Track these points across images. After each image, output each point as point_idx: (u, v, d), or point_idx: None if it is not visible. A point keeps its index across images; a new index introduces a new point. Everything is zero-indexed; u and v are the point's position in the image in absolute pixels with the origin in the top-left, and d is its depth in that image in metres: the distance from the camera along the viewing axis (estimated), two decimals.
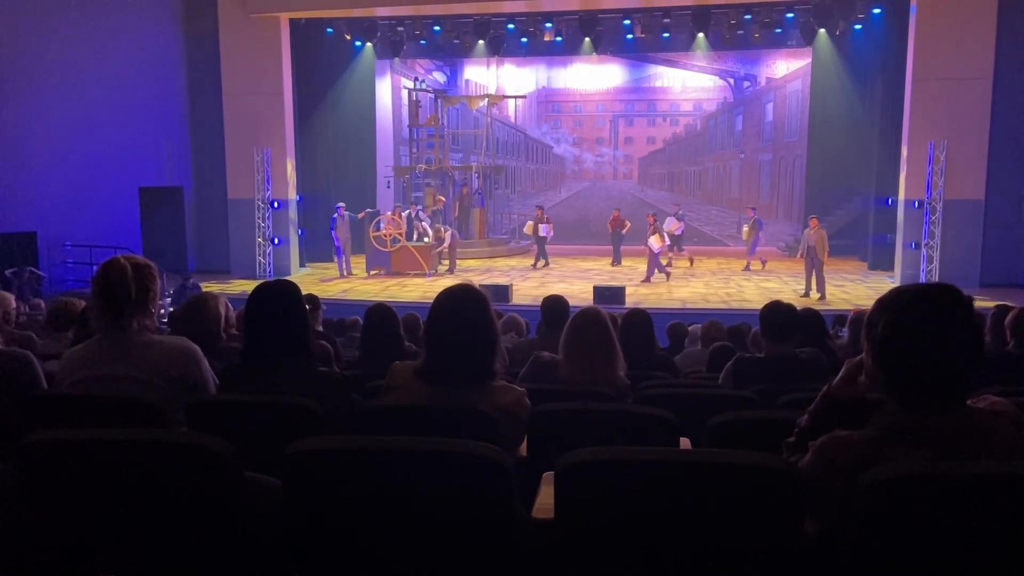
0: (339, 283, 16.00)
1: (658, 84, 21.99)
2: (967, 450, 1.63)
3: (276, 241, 16.96)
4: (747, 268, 17.18)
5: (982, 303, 9.67)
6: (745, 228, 17.29)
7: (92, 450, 1.84)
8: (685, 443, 2.76)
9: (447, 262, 17.23)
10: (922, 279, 14.20)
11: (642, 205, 22.41)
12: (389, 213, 17.27)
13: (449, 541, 1.77)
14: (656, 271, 15.79)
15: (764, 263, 17.37)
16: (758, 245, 17.12)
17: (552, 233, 18.02)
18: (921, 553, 1.52)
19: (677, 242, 17.62)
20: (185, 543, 1.81)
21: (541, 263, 17.88)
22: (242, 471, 1.85)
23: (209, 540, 1.82)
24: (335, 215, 16.63)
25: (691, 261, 18.00)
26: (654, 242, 15.66)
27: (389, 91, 21.83)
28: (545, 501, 2.01)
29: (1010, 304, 5.13)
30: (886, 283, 15.20)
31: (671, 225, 17.15)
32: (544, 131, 22.82)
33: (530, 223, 18.23)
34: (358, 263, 17.10)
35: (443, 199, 18.91)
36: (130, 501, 1.81)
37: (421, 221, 17.36)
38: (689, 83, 21.79)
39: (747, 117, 21.66)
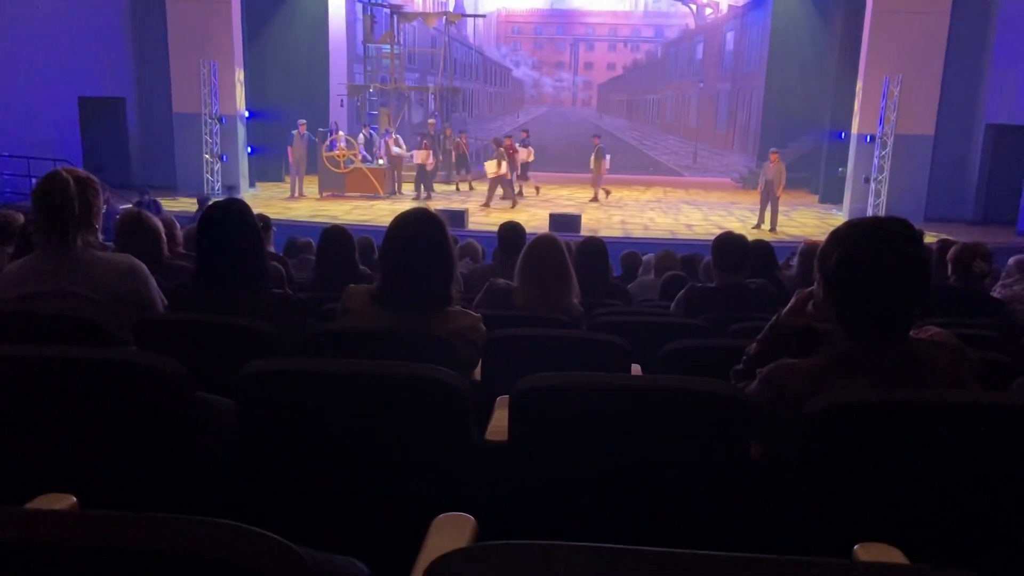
0: (303, 203, 15.65)
1: (620, 8, 21.59)
2: (909, 379, 1.69)
3: (224, 158, 16.47)
4: (595, 199, 16.92)
5: (926, 238, 9.91)
6: (592, 158, 16.97)
7: (37, 368, 1.79)
8: (637, 369, 2.81)
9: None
10: (869, 212, 14.49)
11: (600, 133, 22.29)
12: (340, 133, 16.85)
13: (403, 463, 1.79)
14: (497, 197, 15.69)
15: (608, 193, 17.17)
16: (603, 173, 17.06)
17: (431, 162, 16.77)
18: (863, 477, 1.59)
19: (524, 169, 17.26)
20: (135, 463, 1.80)
21: (424, 194, 16.57)
22: (193, 392, 1.83)
23: (160, 461, 1.80)
24: (294, 131, 16.15)
25: (537, 189, 17.58)
26: (489, 167, 15.64)
27: (343, 4, 21.04)
28: (499, 424, 2.04)
29: (951, 239, 5.26)
30: (835, 217, 15.50)
31: (519, 153, 16.75)
32: (503, 53, 22.35)
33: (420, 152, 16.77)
34: (311, 183, 16.76)
35: (450, 129, 18.19)
36: (78, 420, 1.78)
37: (381, 138, 16.91)
38: (652, 8, 21.44)
39: (708, 45, 21.49)
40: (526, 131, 17.65)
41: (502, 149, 15.92)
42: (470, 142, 17.45)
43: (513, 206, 15.48)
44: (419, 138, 17.19)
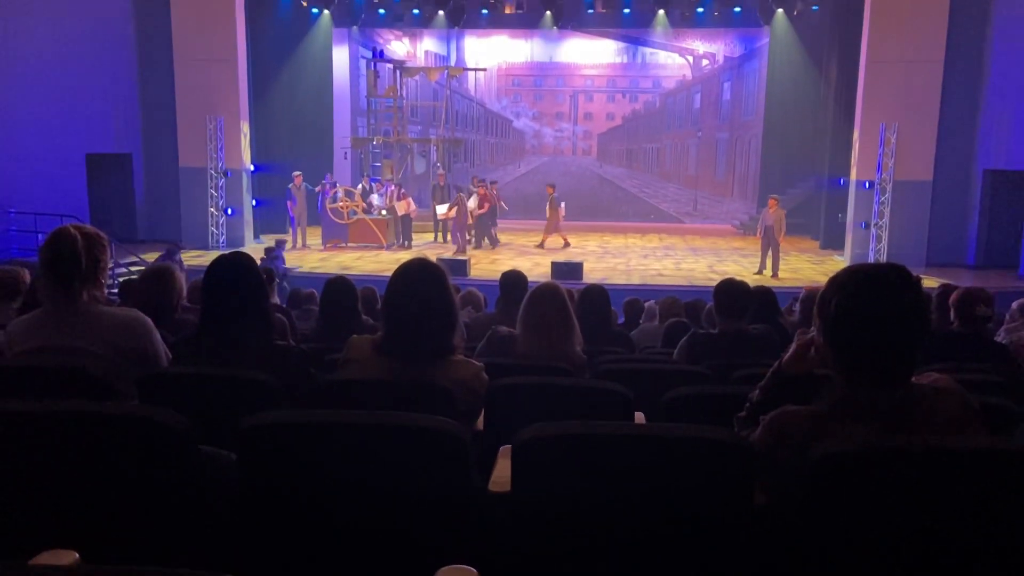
0: (306, 255, 15.74)
1: (618, 60, 21.99)
2: (911, 425, 1.69)
3: (229, 211, 16.63)
4: (540, 245, 17.06)
5: (927, 283, 9.90)
6: (547, 206, 17.09)
7: (40, 423, 1.80)
8: (640, 417, 2.80)
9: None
10: (871, 258, 14.53)
11: (601, 182, 22.51)
12: (340, 186, 17.06)
13: (406, 514, 1.78)
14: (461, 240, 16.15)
15: (566, 243, 17.09)
16: (559, 222, 17.19)
17: (412, 208, 16.87)
18: (867, 525, 1.58)
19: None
20: (139, 517, 1.79)
21: (405, 243, 16.68)
22: (196, 445, 1.83)
23: (163, 514, 1.80)
24: (290, 185, 16.39)
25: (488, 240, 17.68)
26: (439, 209, 16.50)
27: (347, 61, 21.46)
28: (502, 474, 2.03)
29: (954, 284, 5.28)
30: (835, 261, 15.53)
31: (473, 202, 17.07)
32: (504, 105, 22.69)
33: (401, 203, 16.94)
34: (313, 234, 16.87)
35: (443, 173, 18.45)
36: (82, 475, 1.78)
37: (372, 193, 17.09)
38: (649, 60, 21.83)
39: (705, 95, 21.80)
40: (483, 182, 18.00)
41: (460, 195, 16.36)
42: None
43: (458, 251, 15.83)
44: (398, 187, 17.43)
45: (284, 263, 13.08)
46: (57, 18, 14.82)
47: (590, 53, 21.85)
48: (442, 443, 1.77)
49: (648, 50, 21.65)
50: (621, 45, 21.68)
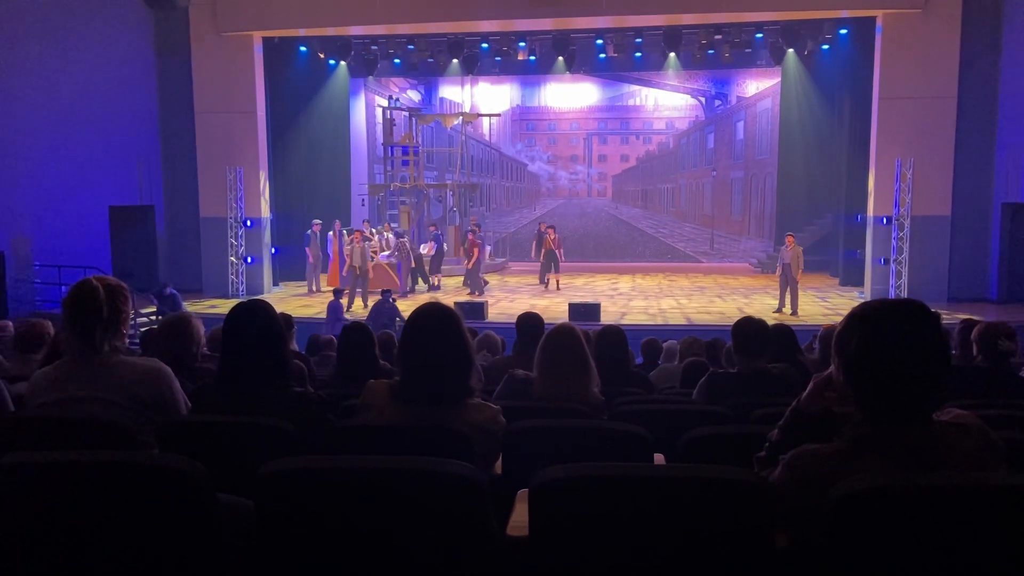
0: (322, 300, 15.88)
1: (631, 103, 22.23)
2: (933, 462, 1.66)
3: (249, 260, 16.84)
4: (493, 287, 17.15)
5: (949, 317, 9.81)
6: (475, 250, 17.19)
7: (61, 472, 1.81)
8: (659, 458, 2.78)
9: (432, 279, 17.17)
10: (891, 294, 14.39)
11: (616, 223, 22.59)
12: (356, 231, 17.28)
13: (424, 560, 1.77)
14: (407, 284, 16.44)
15: (485, 283, 17.04)
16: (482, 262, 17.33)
17: (432, 251, 17.14)
18: (888, 565, 1.55)
19: (436, 263, 17.58)
20: (157, 566, 1.79)
21: (423, 285, 16.84)
22: (214, 493, 1.84)
23: (181, 563, 1.80)
24: (309, 231, 16.62)
25: (438, 282, 17.72)
26: (382, 255, 16.82)
27: (363, 109, 21.85)
28: (520, 518, 2.02)
29: (976, 318, 5.22)
30: (857, 299, 15.40)
31: (424, 247, 17.23)
32: (518, 149, 22.95)
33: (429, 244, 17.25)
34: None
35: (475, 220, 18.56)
36: (100, 524, 1.78)
37: (381, 239, 17.26)
38: (662, 102, 22.05)
39: (718, 135, 21.94)
40: (434, 225, 18.16)
41: (402, 240, 16.63)
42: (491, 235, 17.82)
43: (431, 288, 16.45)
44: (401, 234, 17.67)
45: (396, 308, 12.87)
46: (80, 74, 15.23)
47: (603, 96, 22.13)
48: (460, 488, 1.76)
49: (661, 92, 21.89)
50: (634, 88, 21.94)
